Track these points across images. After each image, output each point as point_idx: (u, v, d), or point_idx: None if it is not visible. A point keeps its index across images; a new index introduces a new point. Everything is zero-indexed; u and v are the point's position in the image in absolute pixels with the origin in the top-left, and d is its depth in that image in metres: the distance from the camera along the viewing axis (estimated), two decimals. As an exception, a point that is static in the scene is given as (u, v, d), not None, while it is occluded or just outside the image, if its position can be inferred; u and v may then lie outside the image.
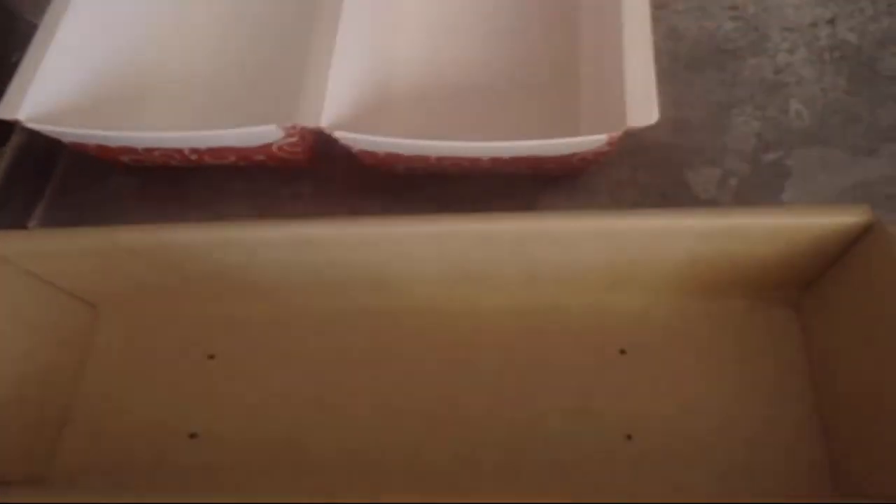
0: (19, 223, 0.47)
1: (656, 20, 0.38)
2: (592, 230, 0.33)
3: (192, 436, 0.39)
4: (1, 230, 0.39)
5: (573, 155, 0.38)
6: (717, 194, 0.40)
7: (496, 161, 0.39)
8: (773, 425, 0.34)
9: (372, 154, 0.40)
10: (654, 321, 0.37)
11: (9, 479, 0.38)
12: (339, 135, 0.38)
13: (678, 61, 0.45)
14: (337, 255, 0.37)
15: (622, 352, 0.36)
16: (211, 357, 0.41)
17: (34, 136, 0.50)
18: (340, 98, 0.39)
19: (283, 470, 0.37)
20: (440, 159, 0.40)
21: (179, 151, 0.43)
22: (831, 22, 0.46)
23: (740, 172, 0.41)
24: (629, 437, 0.34)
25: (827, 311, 0.34)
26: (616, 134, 0.35)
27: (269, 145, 0.42)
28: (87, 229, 0.38)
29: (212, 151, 0.43)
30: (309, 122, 0.38)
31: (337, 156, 0.45)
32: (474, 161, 0.39)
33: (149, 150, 0.44)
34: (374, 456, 0.37)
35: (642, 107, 0.35)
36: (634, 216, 0.32)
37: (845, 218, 0.31)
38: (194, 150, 0.43)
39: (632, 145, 0.41)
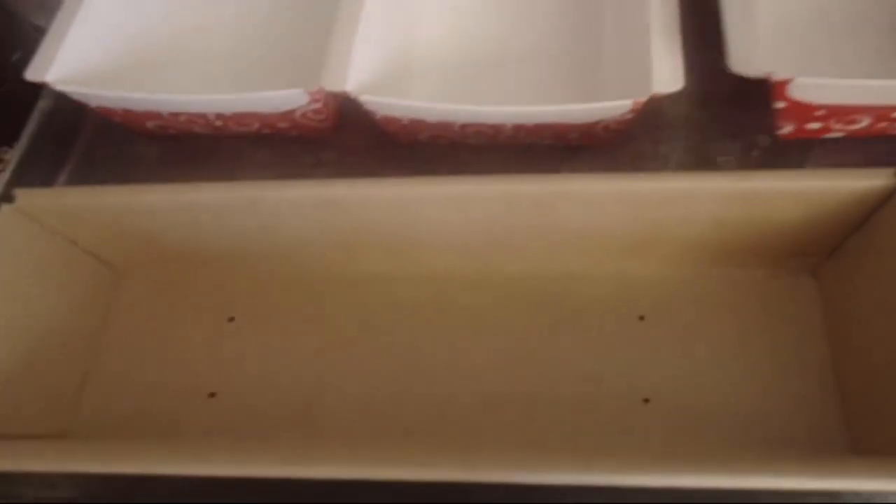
0: (43, 189, 0.48)
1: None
2: (616, 192, 0.33)
3: (212, 395, 0.39)
4: (27, 188, 0.39)
5: (597, 123, 0.38)
6: (738, 167, 0.40)
7: (519, 129, 0.39)
8: (790, 391, 0.34)
9: (395, 121, 0.41)
10: (674, 288, 0.37)
11: (33, 433, 0.38)
12: (365, 99, 0.38)
13: (701, 36, 0.45)
14: (359, 218, 0.37)
15: (641, 318, 0.36)
16: (231, 319, 0.42)
17: (60, 102, 0.51)
18: (366, 65, 0.40)
19: (301, 428, 0.37)
20: (463, 127, 0.40)
21: (204, 117, 0.44)
22: None
23: (762, 145, 0.41)
24: (647, 400, 0.34)
25: (847, 279, 0.34)
26: (641, 100, 0.35)
27: (293, 111, 0.42)
28: (110, 188, 0.39)
29: (236, 117, 0.44)
30: (334, 87, 0.38)
31: (359, 126, 0.45)
32: (497, 128, 0.40)
33: (174, 115, 0.44)
34: (392, 417, 0.37)
35: (668, 74, 0.35)
36: (658, 179, 0.33)
37: (870, 182, 0.31)
38: (219, 116, 0.44)
39: (654, 118, 0.42)
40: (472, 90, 0.43)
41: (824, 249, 0.35)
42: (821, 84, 0.34)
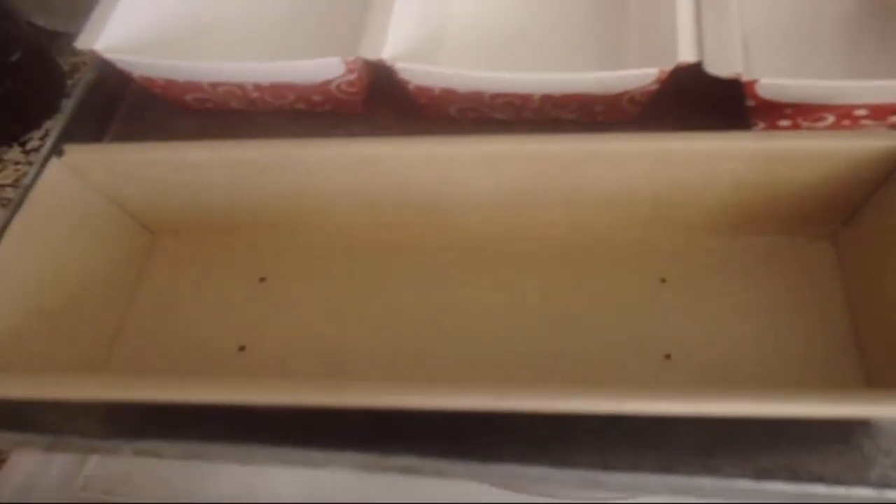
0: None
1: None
2: (642, 151, 0.34)
3: (241, 349, 0.41)
4: (77, 143, 0.41)
5: (622, 94, 0.40)
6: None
7: (546, 99, 0.41)
8: (809, 349, 0.34)
9: (427, 91, 0.42)
10: (696, 253, 0.38)
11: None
12: (400, 66, 0.40)
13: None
14: (391, 177, 0.39)
15: (663, 280, 0.38)
16: (262, 279, 0.43)
17: (103, 74, 0.53)
18: (401, 36, 0.42)
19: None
20: (493, 98, 0.42)
21: (242, 88, 0.46)
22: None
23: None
24: (668, 356, 0.35)
25: (865, 244, 0.35)
26: (667, 69, 0.37)
27: (328, 83, 0.44)
28: (156, 144, 0.40)
29: (273, 89, 0.45)
30: (371, 55, 0.40)
31: (389, 102, 0.47)
32: (525, 99, 0.41)
33: (213, 86, 0.46)
34: (417, 373, 0.38)
35: (693, 43, 0.37)
36: (684, 137, 0.34)
37: (887, 142, 0.32)
38: (256, 87, 0.45)
39: (678, 95, 0.43)
40: (501, 62, 0.45)
41: (842, 215, 0.36)
42: (783, 84, 0.36)
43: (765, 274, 0.37)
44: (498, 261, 0.39)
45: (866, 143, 0.32)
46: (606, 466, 0.30)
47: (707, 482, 0.28)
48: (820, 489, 0.27)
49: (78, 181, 0.41)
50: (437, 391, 0.29)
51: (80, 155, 0.41)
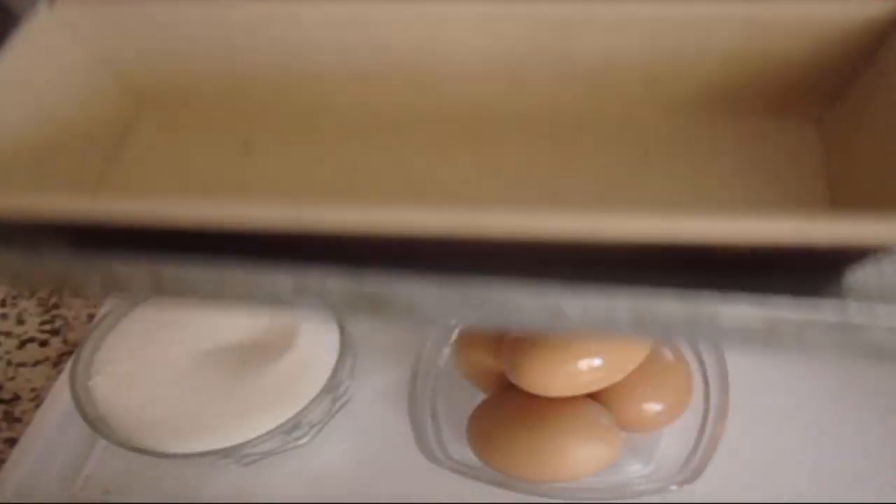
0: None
1: None
2: (639, 17, 0.35)
3: (223, 210, 0.40)
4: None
5: None
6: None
7: None
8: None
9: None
10: (681, 130, 0.38)
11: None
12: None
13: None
14: (381, 42, 0.38)
15: (645, 154, 0.38)
16: (246, 146, 0.43)
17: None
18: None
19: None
20: None
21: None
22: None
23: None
24: (648, 223, 0.35)
25: (849, 125, 0.36)
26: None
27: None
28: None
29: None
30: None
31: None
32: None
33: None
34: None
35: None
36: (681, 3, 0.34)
37: (882, 11, 0.32)
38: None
39: None
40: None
41: (828, 95, 0.36)
42: None
43: (748, 152, 0.37)
44: (484, 131, 0.40)
45: (858, 11, 0.33)
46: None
47: (673, 306, 0.28)
48: (785, 311, 0.27)
49: (66, 33, 0.41)
50: (414, 212, 0.29)
51: (72, 5, 0.40)
